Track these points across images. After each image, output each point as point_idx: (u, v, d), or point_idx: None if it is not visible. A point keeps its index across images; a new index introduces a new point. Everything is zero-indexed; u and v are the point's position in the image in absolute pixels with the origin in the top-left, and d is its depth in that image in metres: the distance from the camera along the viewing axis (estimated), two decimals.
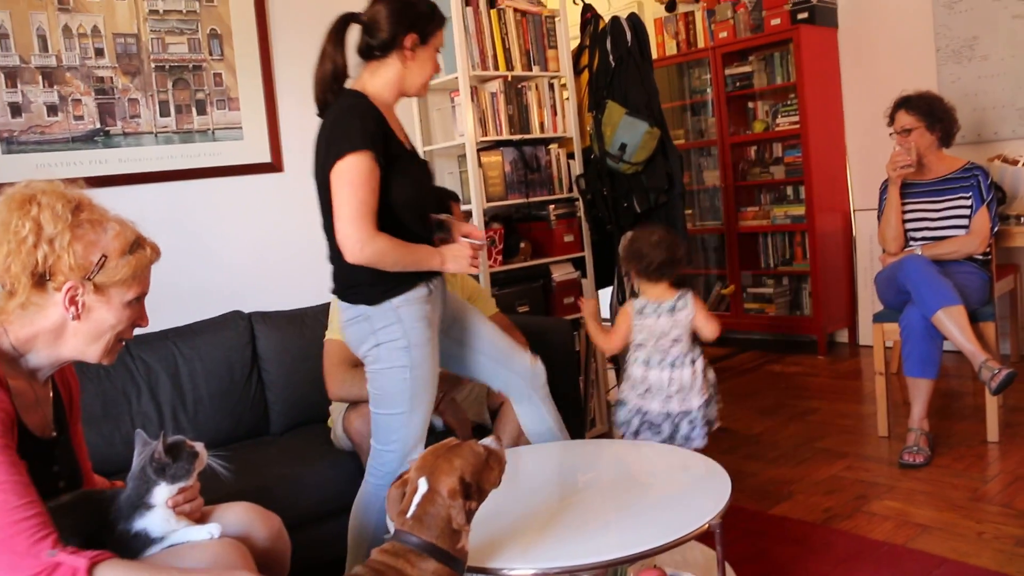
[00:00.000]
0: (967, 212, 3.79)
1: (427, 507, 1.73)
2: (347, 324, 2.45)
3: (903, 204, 3.88)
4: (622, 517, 2.29)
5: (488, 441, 1.90)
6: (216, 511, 1.87)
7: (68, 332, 1.67)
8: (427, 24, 2.48)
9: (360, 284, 2.41)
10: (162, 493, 1.73)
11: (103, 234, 1.66)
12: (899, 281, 3.60)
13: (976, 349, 3.37)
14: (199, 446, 1.79)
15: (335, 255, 2.46)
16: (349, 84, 2.56)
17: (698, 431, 2.96)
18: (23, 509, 1.47)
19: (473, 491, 1.77)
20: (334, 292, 2.52)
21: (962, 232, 3.78)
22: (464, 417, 2.82)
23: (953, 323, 3.39)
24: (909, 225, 3.89)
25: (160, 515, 1.72)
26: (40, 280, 1.62)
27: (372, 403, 2.44)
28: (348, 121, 2.44)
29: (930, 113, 3.85)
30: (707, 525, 2.07)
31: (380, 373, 2.39)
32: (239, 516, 1.87)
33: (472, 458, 1.81)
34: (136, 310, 1.74)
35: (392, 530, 1.78)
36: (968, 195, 3.80)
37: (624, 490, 2.48)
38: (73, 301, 1.64)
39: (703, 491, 2.30)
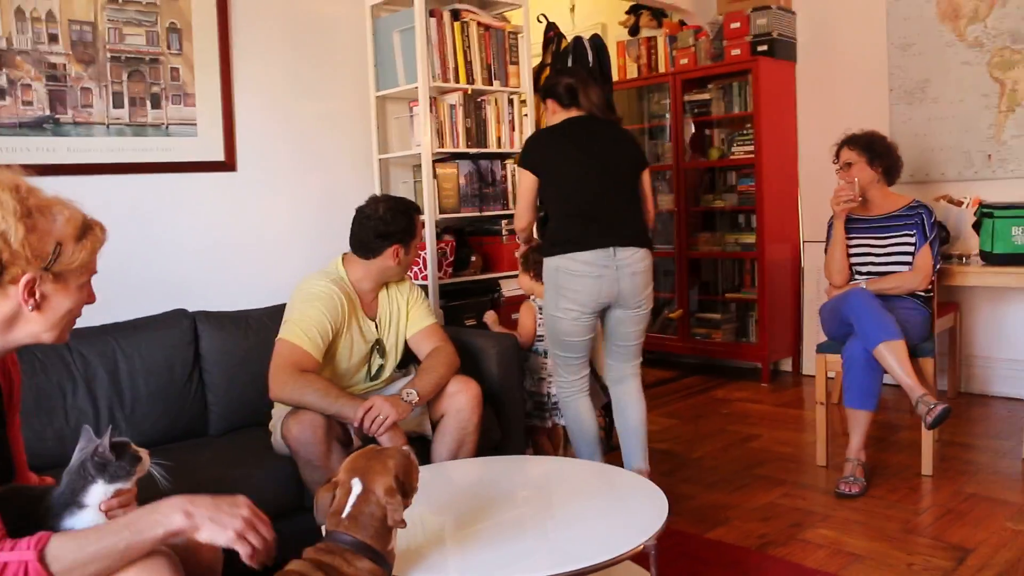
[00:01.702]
0: (911, 249, 3.86)
1: (362, 507, 1.78)
2: (646, 268, 3.36)
3: (849, 238, 3.95)
4: (557, 534, 2.29)
5: (406, 448, 2.00)
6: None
7: (22, 321, 1.63)
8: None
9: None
10: (97, 493, 1.68)
11: (54, 221, 1.62)
12: (843, 313, 3.65)
13: (914, 383, 3.43)
14: (143, 452, 1.75)
15: (638, 213, 3.45)
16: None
17: None
18: None
19: (405, 490, 1.85)
20: (636, 244, 3.31)
21: (906, 268, 3.85)
22: (404, 441, 2.81)
23: (893, 357, 3.45)
24: (854, 259, 3.96)
25: (91, 516, 1.67)
26: None
27: (642, 335, 3.49)
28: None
29: (870, 148, 3.95)
30: (642, 545, 2.08)
31: (650, 311, 3.48)
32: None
33: (403, 459, 1.90)
34: (87, 290, 1.71)
35: (323, 531, 1.82)
36: (912, 232, 3.87)
37: (560, 507, 2.49)
38: (32, 293, 1.60)
39: (640, 511, 2.31)
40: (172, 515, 1.58)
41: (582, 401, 3.46)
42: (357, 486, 1.81)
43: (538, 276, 3.69)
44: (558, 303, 3.30)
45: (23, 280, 1.58)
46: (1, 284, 1.58)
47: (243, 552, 1.61)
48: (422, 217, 3.19)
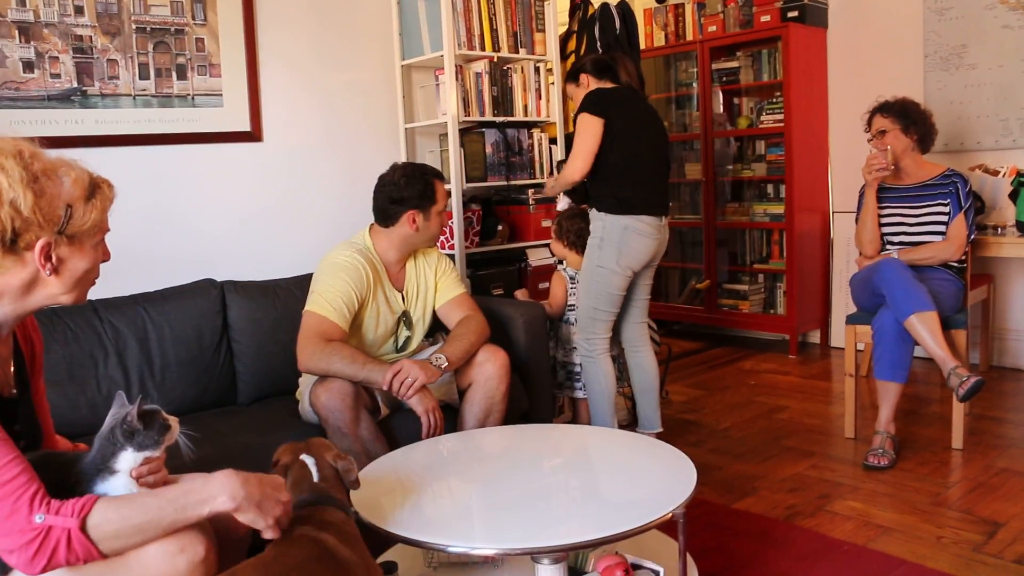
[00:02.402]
0: (944, 219, 3.80)
1: (326, 472, 1.94)
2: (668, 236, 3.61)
3: (881, 208, 3.89)
4: (585, 502, 2.29)
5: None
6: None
7: (40, 285, 1.63)
8: None
9: None
10: (127, 460, 1.69)
11: (61, 184, 1.61)
12: (874, 284, 3.61)
13: (946, 355, 3.39)
14: (173, 420, 1.76)
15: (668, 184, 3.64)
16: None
17: None
18: (6, 469, 1.48)
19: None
20: (667, 213, 3.56)
21: (939, 238, 3.79)
22: (434, 404, 2.82)
23: (925, 328, 3.40)
24: (886, 229, 3.90)
25: (123, 482, 1.68)
26: (8, 243, 1.57)
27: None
28: None
29: (904, 115, 3.86)
30: (670, 514, 2.07)
31: None
32: None
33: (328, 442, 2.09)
34: (103, 248, 1.72)
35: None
36: (946, 202, 3.80)
37: (589, 476, 2.48)
38: (48, 257, 1.60)
39: (668, 481, 2.30)
40: (219, 497, 1.61)
41: (608, 359, 3.58)
42: (310, 459, 1.95)
43: (571, 244, 3.78)
44: (619, 259, 3.45)
45: (38, 245, 1.58)
46: (16, 251, 1.58)
47: (271, 535, 1.69)
48: (446, 184, 3.16)
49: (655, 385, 3.74)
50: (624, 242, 3.43)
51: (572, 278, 3.82)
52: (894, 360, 3.51)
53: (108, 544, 1.52)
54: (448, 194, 3.17)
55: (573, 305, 3.78)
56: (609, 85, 3.54)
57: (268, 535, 1.68)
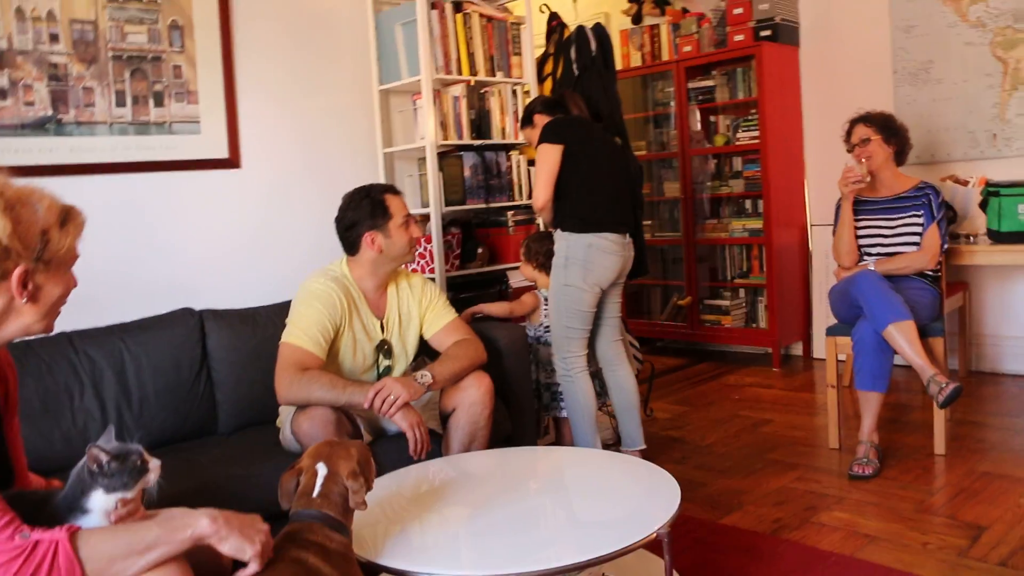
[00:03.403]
0: (919, 229, 3.84)
1: (331, 487, 1.91)
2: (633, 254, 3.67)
3: (857, 220, 3.93)
4: (570, 524, 2.28)
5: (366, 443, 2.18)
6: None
7: (14, 314, 1.62)
8: None
9: None
10: (99, 500, 1.65)
11: (35, 211, 1.61)
12: (852, 295, 3.63)
13: (925, 363, 3.42)
14: (154, 463, 1.71)
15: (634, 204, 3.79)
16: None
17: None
18: None
19: (365, 478, 1.97)
20: (629, 231, 3.64)
21: (914, 248, 3.83)
22: (418, 419, 2.79)
23: (903, 337, 3.43)
24: (863, 241, 3.94)
25: (95, 521, 1.64)
26: None
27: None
28: None
29: (886, 126, 3.93)
30: (655, 534, 2.07)
31: None
32: None
33: (363, 450, 2.04)
34: (71, 275, 1.72)
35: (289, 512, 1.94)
36: (920, 213, 3.85)
37: (573, 498, 2.48)
38: (24, 284, 1.59)
39: (652, 500, 2.30)
40: (200, 520, 1.60)
41: (586, 377, 3.61)
42: (323, 469, 1.93)
43: (540, 266, 3.81)
44: (585, 277, 3.51)
45: (16, 273, 1.57)
46: None
47: (255, 567, 1.65)
48: (397, 195, 3.05)
49: (636, 403, 3.75)
50: (589, 259, 3.50)
51: (547, 299, 3.83)
52: (874, 370, 3.53)
53: (93, 566, 1.49)
54: (406, 206, 3.06)
55: (549, 326, 3.80)
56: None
57: (253, 566, 1.65)
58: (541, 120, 3.71)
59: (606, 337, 3.75)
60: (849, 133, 4.03)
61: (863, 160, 3.89)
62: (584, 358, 3.61)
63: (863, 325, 3.55)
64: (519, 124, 4.00)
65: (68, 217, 1.66)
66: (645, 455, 3.54)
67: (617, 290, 3.73)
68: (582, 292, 3.53)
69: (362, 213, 2.99)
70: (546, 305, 3.82)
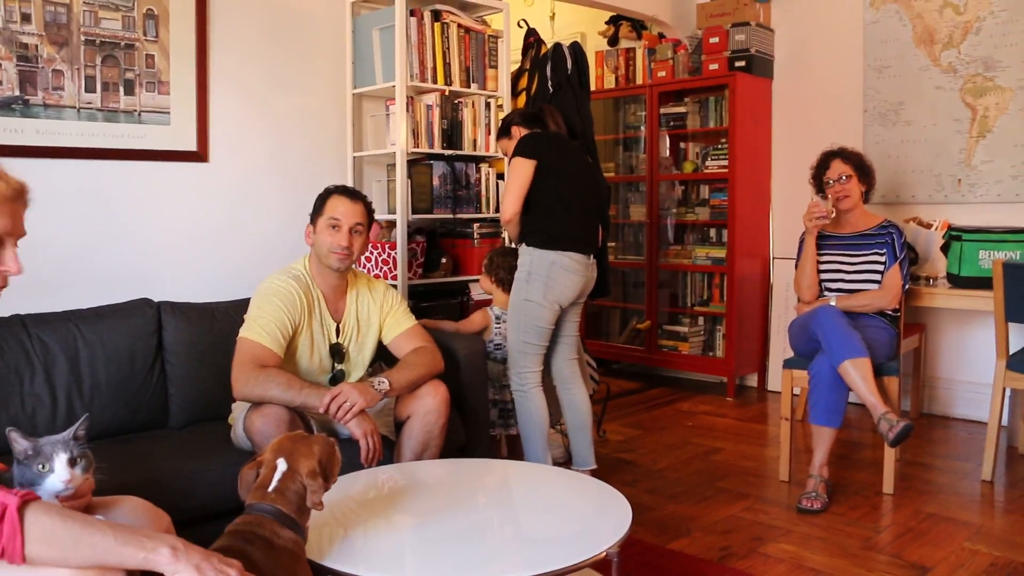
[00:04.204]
0: (880, 268, 3.89)
1: (288, 483, 1.89)
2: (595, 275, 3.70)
3: (821, 254, 3.98)
4: (520, 539, 2.27)
5: (332, 439, 2.10)
6: (105, 504, 1.78)
7: None
8: None
9: None
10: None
11: None
12: (811, 330, 3.67)
13: (877, 401, 3.46)
14: (55, 477, 1.68)
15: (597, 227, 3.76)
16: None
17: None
18: None
19: (326, 476, 1.96)
20: (594, 253, 3.65)
21: (874, 286, 3.88)
22: (372, 427, 2.77)
23: (858, 374, 3.47)
24: (825, 276, 3.98)
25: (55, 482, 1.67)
26: None
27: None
28: None
29: (860, 166, 3.99)
30: (604, 553, 2.06)
31: None
32: (128, 511, 1.79)
33: (327, 448, 2.01)
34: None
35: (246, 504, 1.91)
36: (883, 251, 3.91)
37: (524, 512, 2.46)
38: None
39: (603, 519, 2.30)
40: (160, 547, 1.52)
41: (540, 393, 3.60)
42: (282, 464, 1.91)
43: (499, 281, 3.84)
44: (545, 294, 3.51)
45: None
46: None
47: None
48: (348, 199, 2.99)
49: (588, 422, 3.75)
50: (551, 276, 3.50)
51: (498, 317, 3.84)
52: (829, 405, 3.56)
53: (35, 545, 1.44)
54: (356, 214, 2.98)
55: (501, 344, 3.79)
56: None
57: None
58: (518, 132, 3.71)
59: (562, 355, 3.75)
60: (823, 167, 4.04)
61: (840, 198, 3.92)
62: (538, 374, 3.60)
63: (821, 360, 3.59)
64: (496, 134, 3.99)
65: None
66: (595, 475, 3.54)
67: (577, 309, 3.74)
68: (541, 308, 3.53)
69: (314, 205, 3.04)
70: (497, 323, 3.82)
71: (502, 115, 4.40)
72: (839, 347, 3.52)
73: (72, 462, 1.66)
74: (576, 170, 3.64)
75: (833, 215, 3.91)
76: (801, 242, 4.04)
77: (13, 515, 1.43)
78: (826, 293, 3.97)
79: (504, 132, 3.81)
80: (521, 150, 3.53)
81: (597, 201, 3.76)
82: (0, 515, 1.43)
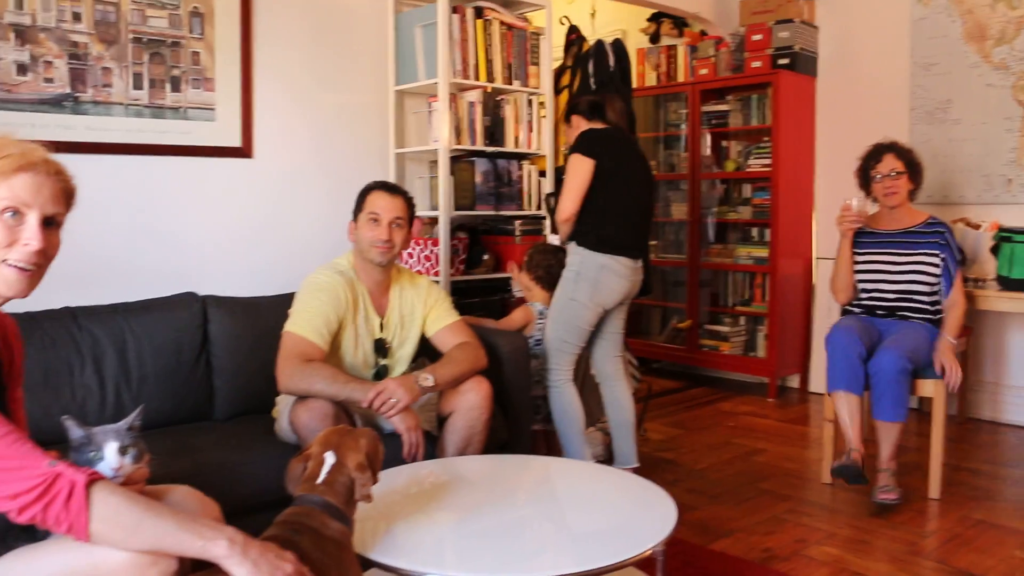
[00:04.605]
0: (933, 269, 3.77)
1: (336, 476, 1.90)
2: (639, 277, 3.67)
3: (859, 253, 3.90)
4: (564, 535, 2.26)
5: (375, 433, 2.11)
6: (157, 492, 1.80)
7: None
8: None
9: None
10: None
11: None
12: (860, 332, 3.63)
13: (856, 437, 3.55)
14: (105, 464, 1.69)
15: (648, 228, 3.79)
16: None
17: None
18: (14, 434, 1.49)
19: (372, 469, 1.97)
20: (642, 257, 3.66)
21: (923, 287, 3.78)
22: (416, 423, 2.78)
23: (846, 409, 3.57)
24: (864, 276, 3.90)
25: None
26: None
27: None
28: None
29: (912, 163, 3.86)
30: (650, 551, 2.05)
31: None
32: (180, 499, 1.81)
33: (373, 442, 2.03)
34: (12, 225, 1.59)
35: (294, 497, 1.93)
36: (935, 252, 3.79)
37: (568, 509, 2.45)
38: None
39: (648, 517, 2.28)
40: (218, 538, 1.55)
41: (573, 388, 3.62)
42: (331, 458, 1.92)
43: (538, 279, 3.84)
44: (592, 296, 3.54)
45: None
46: None
47: None
48: (388, 194, 3.02)
49: (631, 420, 3.74)
50: (599, 279, 3.52)
51: (541, 313, 3.83)
52: (895, 399, 3.51)
53: (98, 524, 1.48)
54: (395, 208, 3.00)
55: (540, 340, 3.79)
56: (599, 125, 3.65)
57: None
58: (578, 123, 3.70)
59: (607, 352, 3.75)
60: (874, 159, 3.90)
61: (888, 194, 3.81)
62: (571, 371, 3.63)
63: (882, 356, 3.52)
64: (563, 118, 3.96)
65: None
66: (637, 474, 3.51)
67: (623, 308, 3.73)
68: (585, 309, 3.54)
69: (356, 201, 3.07)
70: (540, 318, 3.81)
71: (544, 112, 4.40)
72: (840, 376, 3.59)
73: (123, 450, 1.68)
74: (632, 172, 3.62)
75: (869, 213, 3.84)
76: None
77: (81, 493, 1.47)
78: (862, 295, 3.90)
79: (567, 119, 3.80)
80: (580, 147, 3.53)
81: (650, 204, 3.77)
82: (68, 492, 1.46)
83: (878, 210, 3.92)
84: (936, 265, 3.78)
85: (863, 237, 3.91)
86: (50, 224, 1.64)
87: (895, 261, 3.85)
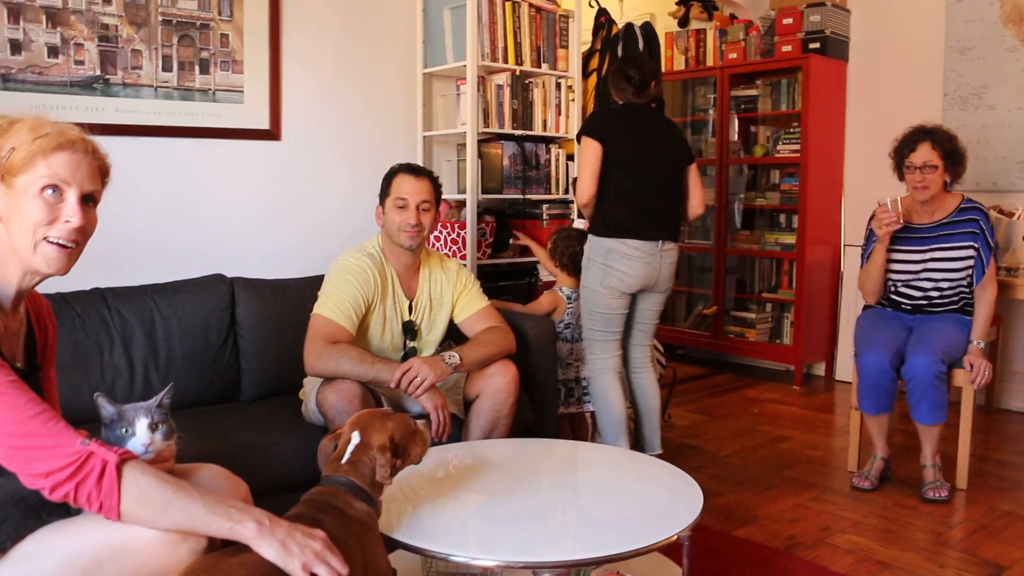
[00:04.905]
0: (965, 264, 3.61)
1: (360, 456, 1.91)
2: (677, 258, 3.63)
3: (893, 250, 3.70)
4: (589, 519, 2.27)
5: (419, 422, 2.11)
6: (186, 471, 1.82)
7: (5, 244, 1.61)
8: None
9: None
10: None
11: (18, 132, 1.59)
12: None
13: (882, 447, 3.66)
14: (136, 441, 1.70)
15: (679, 207, 3.64)
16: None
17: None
18: (47, 413, 1.51)
19: (399, 452, 1.97)
20: (674, 238, 3.58)
21: (953, 282, 3.63)
22: (442, 402, 2.79)
23: (876, 424, 3.65)
24: (897, 275, 3.72)
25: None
26: None
27: (659, 315, 3.72)
28: None
29: (951, 154, 3.56)
30: (676, 536, 2.04)
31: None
32: (209, 478, 1.83)
33: (402, 425, 2.02)
34: (52, 203, 1.60)
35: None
36: (968, 243, 3.60)
37: (594, 493, 2.46)
38: None
39: (674, 503, 2.28)
40: (247, 519, 1.56)
41: (610, 379, 3.60)
42: (356, 437, 1.94)
43: (563, 266, 3.84)
44: (604, 280, 3.51)
45: None
46: None
47: None
48: (415, 176, 3.01)
49: (656, 407, 3.74)
50: (607, 264, 3.50)
51: (568, 297, 3.83)
52: (934, 402, 3.45)
53: (129, 503, 1.50)
54: (422, 191, 2.99)
55: (571, 323, 3.79)
56: (632, 100, 3.54)
57: None
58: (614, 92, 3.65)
59: (635, 340, 3.74)
60: (909, 147, 3.61)
61: (918, 188, 3.56)
62: (609, 359, 3.61)
63: (916, 361, 3.42)
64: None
65: (40, 136, 1.60)
66: (661, 460, 3.51)
67: (655, 297, 3.66)
68: (599, 295, 3.54)
69: (382, 185, 3.07)
70: (569, 303, 3.81)
71: (572, 96, 4.38)
72: (872, 404, 3.59)
73: (153, 427, 1.70)
74: (652, 148, 3.52)
75: (902, 222, 3.59)
76: (869, 235, 3.78)
77: (112, 472, 1.49)
78: (894, 289, 3.75)
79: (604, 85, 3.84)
80: (586, 128, 3.52)
81: (677, 180, 3.61)
82: (100, 471, 1.48)
83: (908, 196, 3.72)
84: (969, 259, 3.60)
85: (900, 232, 3.65)
86: (88, 201, 1.65)
87: (926, 259, 3.66)
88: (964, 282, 3.64)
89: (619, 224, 3.48)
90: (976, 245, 3.59)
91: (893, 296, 3.78)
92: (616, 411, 3.58)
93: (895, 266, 3.72)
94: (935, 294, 3.67)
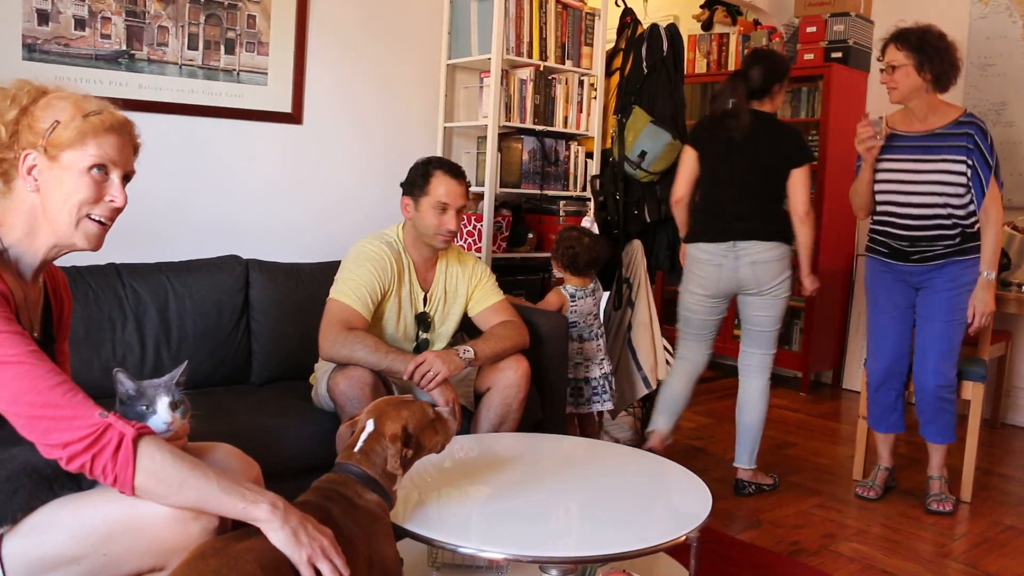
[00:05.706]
0: (955, 179, 3.31)
1: (373, 445, 1.89)
2: (770, 258, 3.51)
3: (882, 159, 3.44)
4: (598, 517, 2.27)
5: (443, 410, 2.09)
6: (199, 449, 1.83)
7: (39, 215, 1.62)
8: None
9: (787, 228, 3.54)
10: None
11: (61, 106, 1.61)
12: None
13: (887, 456, 3.72)
14: (158, 419, 1.71)
15: (767, 209, 3.53)
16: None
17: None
18: (67, 384, 1.52)
19: (412, 443, 1.94)
20: (758, 237, 3.48)
21: (949, 200, 3.32)
22: (454, 396, 2.79)
23: (886, 444, 3.72)
24: (884, 188, 3.47)
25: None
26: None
27: (773, 323, 3.64)
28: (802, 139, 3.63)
29: (920, 49, 3.28)
30: (684, 537, 2.05)
31: (784, 300, 3.64)
32: (222, 457, 1.84)
33: (419, 414, 1.99)
34: (99, 181, 1.63)
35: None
36: (958, 156, 3.29)
37: (603, 491, 2.45)
38: (30, 171, 1.60)
39: (682, 503, 2.28)
40: (261, 502, 1.57)
41: (676, 366, 3.82)
42: (370, 426, 1.92)
43: (563, 265, 3.80)
44: (687, 283, 3.71)
45: (23, 161, 1.59)
46: (14, 170, 1.60)
47: (306, 572, 1.56)
48: (454, 179, 2.95)
49: (749, 423, 3.68)
50: (689, 269, 3.68)
51: (572, 296, 3.77)
52: (942, 425, 3.49)
53: (144, 478, 1.50)
54: (462, 195, 2.96)
55: (575, 322, 3.75)
56: (743, 103, 3.53)
57: (303, 570, 1.56)
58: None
59: (742, 345, 3.78)
60: (883, 52, 3.42)
61: (888, 89, 3.35)
62: (683, 352, 3.80)
63: (923, 375, 3.44)
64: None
65: (89, 114, 1.61)
66: (755, 482, 3.69)
67: (753, 300, 3.60)
68: (683, 295, 3.72)
69: (412, 176, 3.01)
70: (573, 301, 3.77)
71: (595, 94, 4.38)
72: (881, 422, 3.67)
73: (173, 405, 1.70)
74: (731, 152, 3.49)
75: (886, 136, 3.38)
76: (859, 162, 3.59)
77: (128, 446, 1.49)
78: (889, 206, 3.46)
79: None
80: (689, 136, 3.72)
81: (753, 179, 3.49)
82: (117, 444, 1.49)
83: (902, 109, 3.45)
84: (962, 174, 3.29)
85: (890, 140, 3.43)
86: (126, 181, 1.69)
87: (913, 170, 3.37)
88: (957, 203, 3.33)
89: (694, 229, 3.65)
90: (970, 161, 3.29)
91: (886, 226, 3.52)
92: (667, 399, 3.76)
93: (882, 175, 3.47)
94: (928, 213, 3.36)
